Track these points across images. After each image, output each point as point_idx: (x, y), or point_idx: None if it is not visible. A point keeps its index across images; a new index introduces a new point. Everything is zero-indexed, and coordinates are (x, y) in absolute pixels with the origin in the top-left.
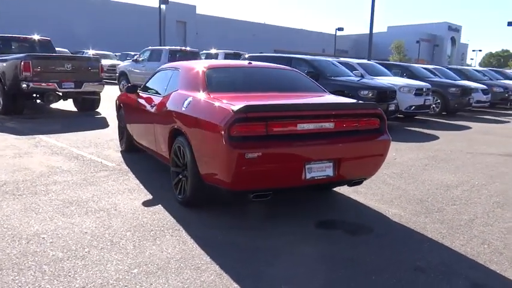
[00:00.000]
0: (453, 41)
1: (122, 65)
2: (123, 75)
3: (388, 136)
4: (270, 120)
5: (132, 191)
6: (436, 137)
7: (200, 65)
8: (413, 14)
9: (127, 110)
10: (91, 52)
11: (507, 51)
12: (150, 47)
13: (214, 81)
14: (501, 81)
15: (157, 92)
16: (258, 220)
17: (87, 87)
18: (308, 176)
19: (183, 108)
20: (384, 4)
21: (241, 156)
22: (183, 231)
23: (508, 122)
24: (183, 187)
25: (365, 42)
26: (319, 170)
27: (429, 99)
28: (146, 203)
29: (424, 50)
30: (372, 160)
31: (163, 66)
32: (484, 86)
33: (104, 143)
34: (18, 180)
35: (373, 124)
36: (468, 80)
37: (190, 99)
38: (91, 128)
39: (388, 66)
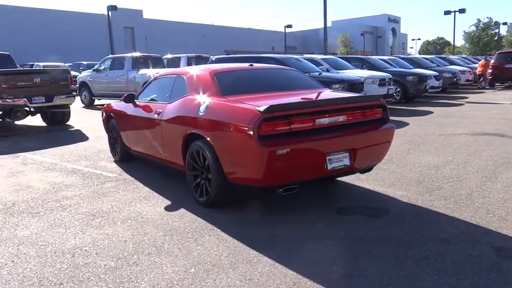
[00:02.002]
0: (394, 31)
1: (82, 75)
2: (84, 85)
3: (392, 124)
4: (292, 118)
5: (149, 199)
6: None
7: (206, 70)
8: (355, 8)
9: (121, 119)
10: (41, 64)
11: (442, 38)
12: (110, 56)
13: (226, 85)
14: (448, 67)
15: (159, 100)
16: (282, 213)
17: (58, 100)
18: (329, 166)
19: (201, 113)
20: None
21: (272, 153)
22: (218, 230)
23: (462, 104)
24: (204, 189)
25: (312, 38)
26: (338, 161)
27: (391, 88)
28: (168, 208)
29: (368, 41)
30: (380, 147)
31: (158, 74)
32: (436, 73)
33: (93, 155)
34: (27, 199)
35: (377, 114)
36: (420, 68)
37: (206, 103)
38: (71, 141)
39: (349, 60)
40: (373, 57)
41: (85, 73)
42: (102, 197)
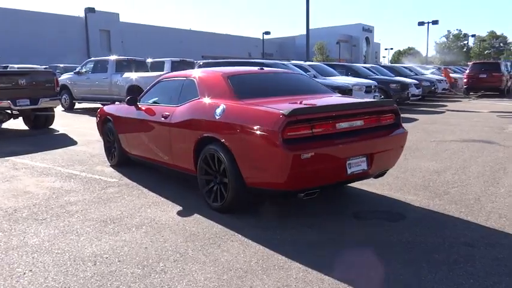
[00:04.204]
0: (367, 41)
1: (62, 78)
2: (65, 88)
3: (405, 129)
4: (314, 121)
5: (158, 204)
6: None
7: (218, 73)
8: (330, 16)
9: (120, 122)
10: (16, 66)
11: (412, 48)
12: (93, 58)
13: (240, 88)
14: (426, 75)
15: (166, 102)
16: (299, 218)
17: (43, 103)
18: (349, 171)
19: (217, 116)
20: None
21: (296, 158)
22: (239, 235)
23: (443, 112)
24: (219, 194)
25: (288, 45)
26: (357, 165)
27: (377, 95)
28: (181, 214)
29: (343, 50)
30: (395, 152)
31: (163, 77)
32: (416, 81)
33: (86, 159)
34: (28, 205)
35: (390, 119)
36: (399, 76)
37: (222, 107)
38: (60, 146)
39: (333, 67)
40: (356, 64)
41: (65, 76)
42: (108, 203)
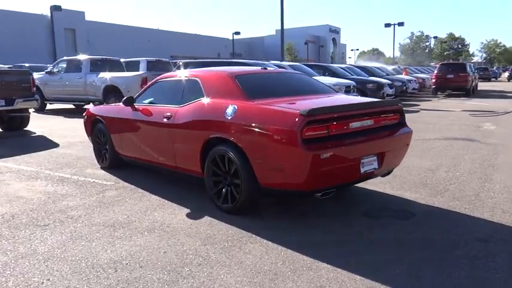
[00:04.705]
0: (334, 41)
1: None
2: (36, 89)
3: (410, 128)
4: (329, 121)
5: (163, 207)
6: None
7: (224, 73)
8: (297, 17)
9: (114, 124)
10: None
11: (376, 49)
12: (65, 58)
13: (249, 88)
14: (398, 76)
15: (166, 103)
16: (310, 219)
17: (19, 104)
18: (362, 170)
19: (228, 117)
20: (271, 8)
21: (316, 157)
22: (257, 237)
23: (418, 111)
24: (229, 195)
25: (257, 45)
26: (369, 164)
27: (356, 95)
28: (191, 216)
29: (311, 50)
30: (401, 151)
31: (160, 77)
32: (390, 81)
33: (74, 162)
34: (25, 210)
35: (395, 119)
36: (373, 76)
37: (234, 107)
38: (41, 148)
39: (311, 67)
40: (334, 65)
41: (35, 76)
42: (110, 207)
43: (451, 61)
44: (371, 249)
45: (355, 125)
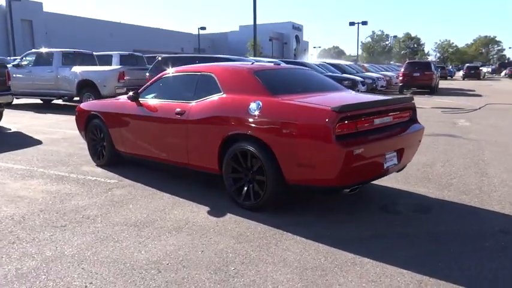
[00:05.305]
0: (297, 39)
1: None
2: None
3: (422, 125)
4: (357, 118)
5: (180, 205)
6: None
7: (243, 69)
8: (261, 14)
9: (114, 119)
10: None
11: (337, 47)
12: (34, 50)
13: (270, 84)
14: (368, 73)
15: (176, 98)
16: (330, 214)
17: None
18: (385, 165)
19: (253, 113)
20: (235, 4)
21: (349, 153)
22: (289, 234)
23: None
24: (252, 192)
25: (221, 41)
26: (390, 160)
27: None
28: (213, 214)
29: (275, 47)
30: (415, 147)
31: (166, 72)
32: (362, 79)
33: (66, 159)
34: (34, 211)
35: (408, 115)
36: (344, 74)
37: (258, 103)
38: (25, 145)
39: (289, 64)
40: (309, 62)
41: None
42: (125, 205)
43: (416, 59)
44: (406, 242)
45: (377, 121)
